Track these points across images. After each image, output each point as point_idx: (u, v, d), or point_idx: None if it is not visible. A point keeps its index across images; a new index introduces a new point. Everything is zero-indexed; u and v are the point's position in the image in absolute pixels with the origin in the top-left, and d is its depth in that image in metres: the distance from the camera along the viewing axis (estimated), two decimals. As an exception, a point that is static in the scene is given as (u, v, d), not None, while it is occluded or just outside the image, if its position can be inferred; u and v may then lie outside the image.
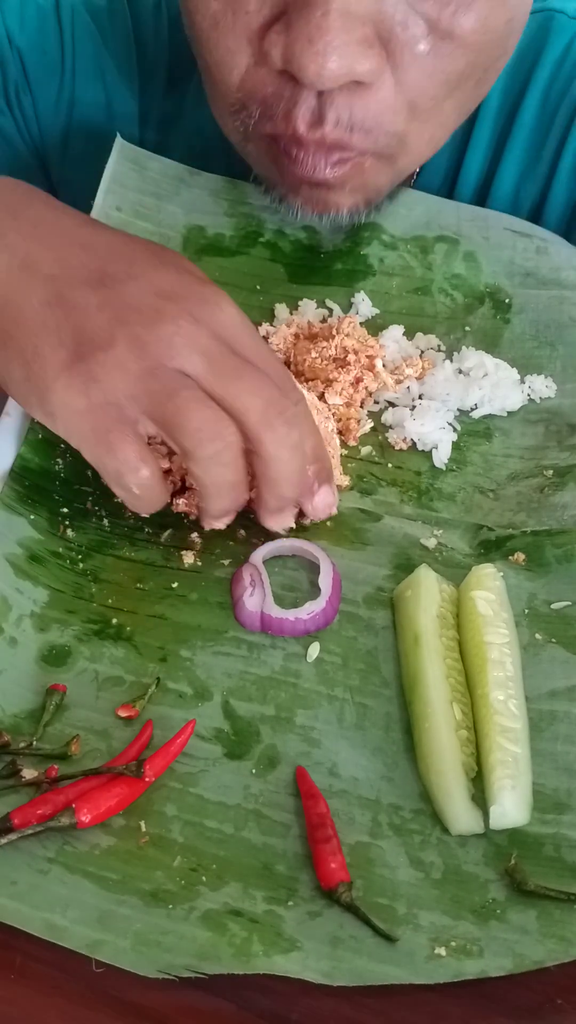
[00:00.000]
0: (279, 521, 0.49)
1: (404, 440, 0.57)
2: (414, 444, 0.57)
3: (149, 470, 0.44)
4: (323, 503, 0.50)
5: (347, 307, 0.63)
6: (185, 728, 0.44)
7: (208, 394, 0.43)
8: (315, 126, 0.52)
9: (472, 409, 0.58)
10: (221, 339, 0.44)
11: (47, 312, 0.44)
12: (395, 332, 0.61)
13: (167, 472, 0.50)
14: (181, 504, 0.51)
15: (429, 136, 0.56)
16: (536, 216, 0.68)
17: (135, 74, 0.69)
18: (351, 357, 0.58)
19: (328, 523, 0.53)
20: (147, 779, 0.42)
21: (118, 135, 0.66)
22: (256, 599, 0.48)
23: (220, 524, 0.48)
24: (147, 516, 0.49)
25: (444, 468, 0.56)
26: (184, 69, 0.68)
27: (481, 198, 0.68)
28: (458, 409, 0.58)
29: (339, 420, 0.57)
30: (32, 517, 0.52)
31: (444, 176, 0.69)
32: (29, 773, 0.42)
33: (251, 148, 0.57)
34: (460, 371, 0.59)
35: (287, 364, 0.55)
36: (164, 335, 0.43)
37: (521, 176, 0.67)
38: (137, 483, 0.44)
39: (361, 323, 0.60)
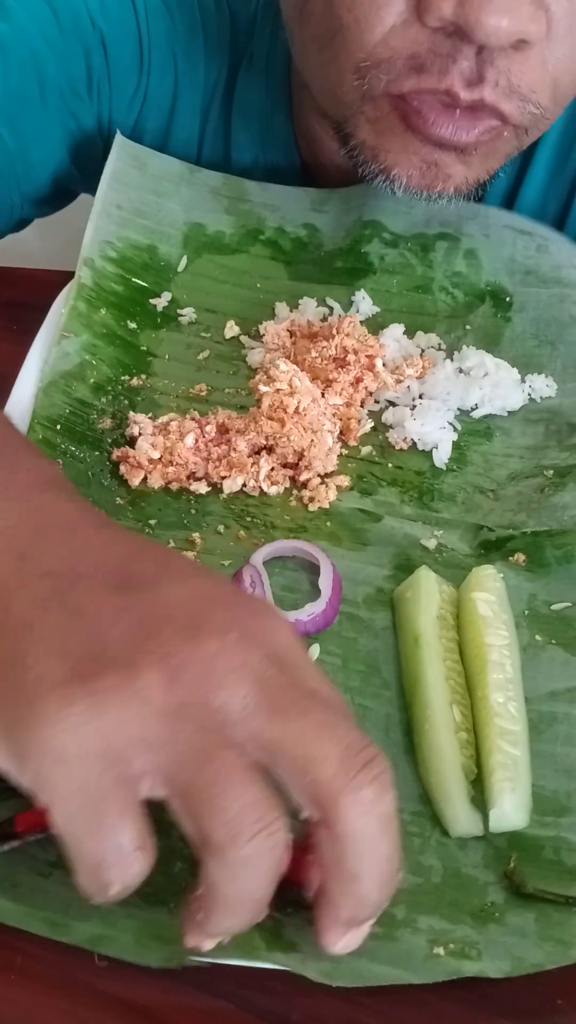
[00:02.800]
0: (348, 940, 0.34)
1: (404, 440, 0.57)
2: (414, 444, 0.57)
3: (141, 866, 0.32)
4: (357, 940, 0.35)
5: (347, 305, 0.63)
6: None
7: (257, 740, 0.31)
8: (474, 86, 0.51)
9: (473, 409, 0.58)
10: (279, 665, 0.32)
11: (40, 613, 0.32)
12: (395, 331, 0.61)
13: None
14: None
15: (553, 119, 0.56)
16: (559, 224, 0.68)
17: (200, 62, 0.67)
18: (351, 357, 0.58)
19: (328, 523, 0.53)
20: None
21: (118, 132, 0.65)
22: (256, 600, 0.48)
23: (209, 944, 0.34)
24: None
25: (444, 468, 0.56)
26: (242, 52, 0.67)
27: (508, 206, 0.68)
28: (458, 409, 0.58)
29: (339, 420, 0.57)
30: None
31: (506, 192, 0.69)
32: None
33: (368, 109, 0.55)
34: (461, 370, 0.59)
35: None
36: (206, 655, 0.31)
37: (547, 185, 0.68)
38: (122, 880, 0.32)
39: (361, 321, 0.60)
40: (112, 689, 0.30)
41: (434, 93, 0.52)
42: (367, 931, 0.34)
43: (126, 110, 0.67)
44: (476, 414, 0.58)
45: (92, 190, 0.64)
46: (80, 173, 0.70)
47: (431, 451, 0.56)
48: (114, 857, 0.31)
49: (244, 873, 0.31)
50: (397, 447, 0.57)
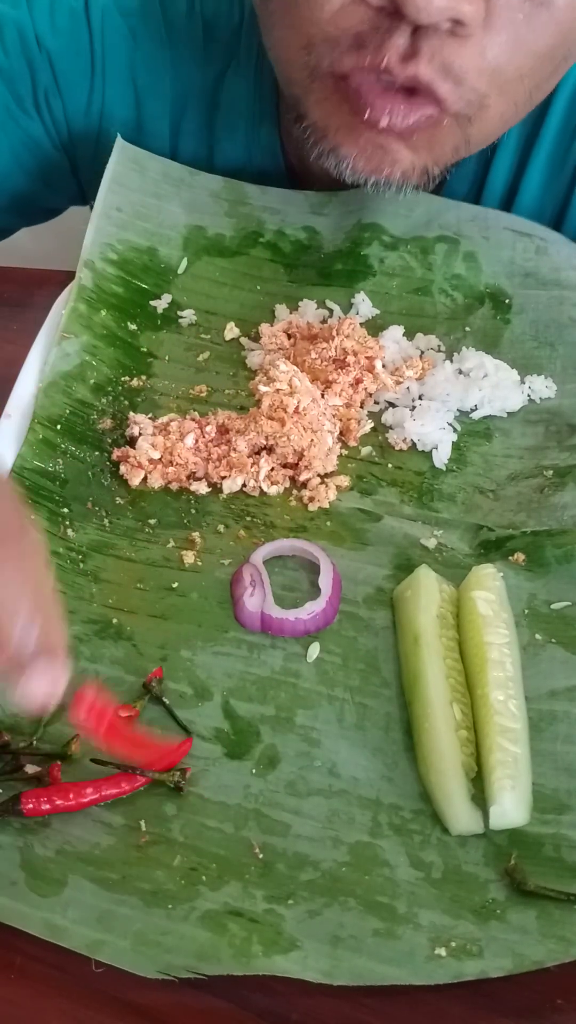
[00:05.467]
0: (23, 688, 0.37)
1: (404, 440, 0.57)
2: (414, 444, 0.57)
3: None
4: (37, 688, 0.37)
5: (347, 307, 0.63)
6: (182, 745, 0.44)
7: None
8: (408, 60, 0.52)
9: (472, 410, 0.58)
10: None
11: None
12: (395, 332, 0.61)
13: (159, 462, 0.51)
14: None
15: (502, 112, 0.56)
16: (557, 224, 0.68)
17: (166, 74, 0.68)
18: (351, 358, 0.58)
19: (328, 523, 0.53)
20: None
21: (119, 137, 0.66)
22: (256, 599, 0.48)
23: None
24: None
25: (444, 468, 0.56)
26: (224, 61, 0.67)
27: (507, 206, 0.68)
28: (458, 410, 0.58)
29: (339, 421, 0.57)
30: (32, 517, 0.52)
31: (470, 186, 0.69)
32: (32, 769, 0.43)
33: (316, 88, 0.56)
34: (460, 371, 0.59)
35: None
36: None
37: (545, 184, 0.68)
38: None
39: (361, 323, 0.61)
40: None
41: (372, 70, 0.52)
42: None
43: (83, 120, 0.68)
44: (476, 415, 0.58)
45: (75, 202, 0.64)
46: (46, 187, 0.71)
47: (431, 452, 0.56)
48: None
49: None
50: (397, 448, 0.57)
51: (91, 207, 0.64)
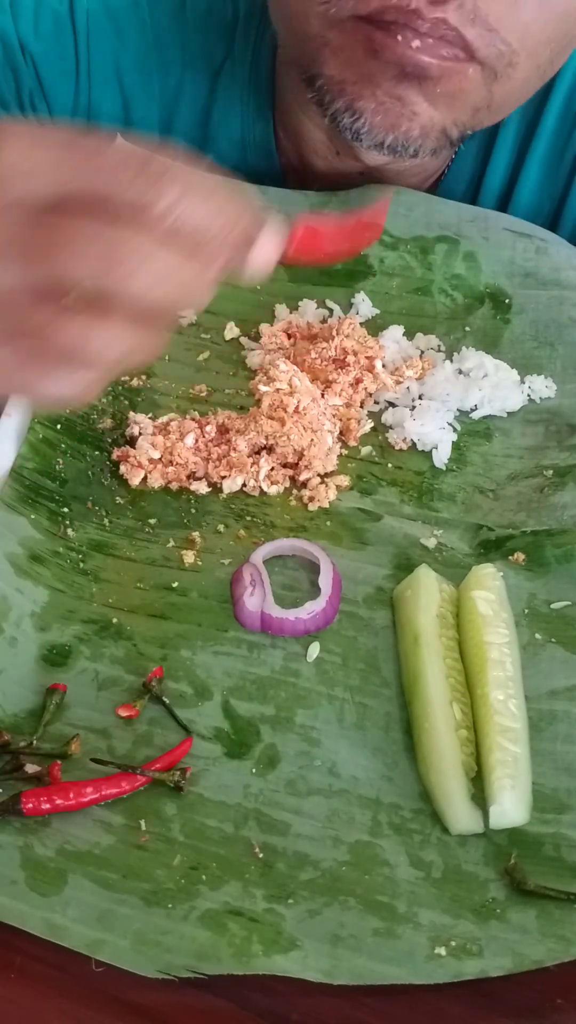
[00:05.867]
0: (203, 291, 0.39)
1: (404, 440, 0.57)
2: (414, 444, 0.57)
3: None
4: (259, 258, 0.38)
5: (347, 307, 0.63)
6: (182, 745, 0.44)
7: None
8: (437, 4, 0.51)
9: (472, 410, 0.58)
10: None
11: None
12: (395, 332, 0.61)
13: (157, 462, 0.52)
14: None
15: (526, 76, 0.56)
16: (553, 223, 0.68)
17: (155, 75, 0.68)
18: (351, 358, 0.58)
19: (328, 523, 0.53)
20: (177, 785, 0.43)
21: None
22: (256, 599, 0.48)
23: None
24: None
25: (444, 468, 0.56)
26: (218, 62, 0.67)
27: (503, 205, 0.68)
28: (458, 410, 0.58)
29: (339, 420, 0.57)
30: (33, 517, 0.52)
31: (468, 182, 0.69)
32: (32, 768, 0.43)
33: (334, 36, 0.55)
34: (460, 371, 0.59)
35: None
36: None
37: (541, 183, 0.68)
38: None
39: (361, 323, 0.61)
40: None
41: (398, 10, 0.52)
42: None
43: (70, 117, 0.68)
44: (475, 415, 0.58)
45: None
46: None
47: (431, 452, 0.56)
48: None
49: None
50: (397, 447, 0.57)
51: None
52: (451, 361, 0.60)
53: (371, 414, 0.59)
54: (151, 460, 0.54)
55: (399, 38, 0.52)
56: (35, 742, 0.44)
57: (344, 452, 0.56)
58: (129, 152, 0.36)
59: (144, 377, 0.59)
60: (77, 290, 0.35)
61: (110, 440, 0.56)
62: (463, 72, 0.54)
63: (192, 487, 0.54)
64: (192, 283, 0.37)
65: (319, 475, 0.55)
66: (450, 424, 0.58)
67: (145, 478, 0.54)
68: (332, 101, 0.57)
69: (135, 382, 0.59)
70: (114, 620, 0.49)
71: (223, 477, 0.54)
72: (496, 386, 0.58)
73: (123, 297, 0.36)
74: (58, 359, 0.37)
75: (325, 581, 0.49)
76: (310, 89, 0.58)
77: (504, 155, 0.67)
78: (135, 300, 0.36)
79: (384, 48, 0.53)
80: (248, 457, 0.54)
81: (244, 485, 0.54)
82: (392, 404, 0.59)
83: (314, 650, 0.48)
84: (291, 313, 0.63)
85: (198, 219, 0.36)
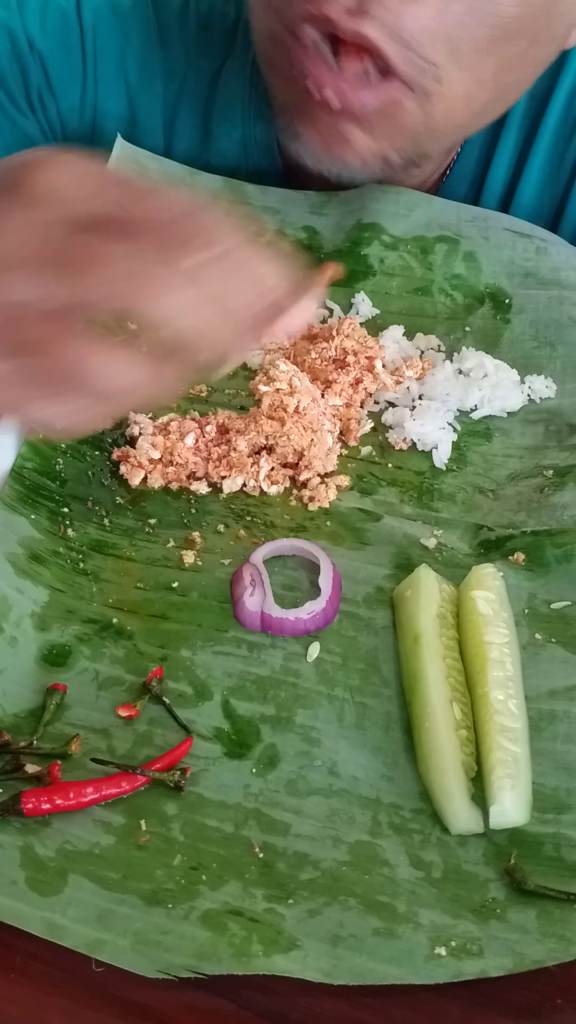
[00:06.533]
0: (235, 352, 0.41)
1: (404, 440, 0.57)
2: (414, 444, 0.57)
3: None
4: (292, 325, 0.39)
5: (347, 307, 0.63)
6: (182, 745, 0.44)
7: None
8: (357, 15, 0.51)
9: (472, 410, 0.58)
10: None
11: None
12: (395, 332, 0.61)
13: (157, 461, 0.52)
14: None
15: (466, 91, 0.55)
16: (554, 222, 0.68)
17: (158, 74, 0.68)
18: (351, 358, 0.58)
19: (328, 523, 0.53)
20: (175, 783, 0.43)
21: (119, 136, 0.66)
22: (256, 599, 0.48)
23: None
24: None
25: (444, 468, 0.56)
26: (220, 60, 0.67)
27: (505, 204, 0.69)
28: (458, 410, 0.58)
29: (339, 420, 0.57)
30: (33, 517, 0.52)
31: (470, 183, 0.69)
32: (32, 768, 0.43)
33: (277, 60, 0.55)
34: (460, 371, 0.59)
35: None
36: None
37: (543, 182, 0.68)
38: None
39: (361, 323, 0.61)
40: None
41: (318, 21, 0.52)
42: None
43: (78, 118, 0.68)
44: (475, 415, 0.58)
45: None
46: None
47: (431, 452, 0.56)
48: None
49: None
50: (397, 447, 0.57)
51: None
52: (451, 361, 0.60)
53: (371, 414, 0.59)
54: (151, 460, 0.54)
55: (318, 79, 0.53)
56: (35, 742, 0.44)
57: (344, 452, 0.56)
58: (181, 200, 0.36)
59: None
60: (96, 313, 0.35)
61: (110, 440, 0.56)
62: (394, 100, 0.54)
63: (192, 487, 0.54)
64: (216, 326, 0.36)
65: (319, 475, 0.55)
66: (450, 424, 0.58)
67: (145, 478, 0.54)
68: (284, 128, 0.58)
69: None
70: (114, 620, 0.49)
71: (223, 477, 0.54)
72: (496, 386, 0.58)
73: (142, 321, 0.35)
74: (59, 382, 0.36)
75: (325, 581, 0.49)
76: (271, 113, 0.60)
77: (506, 154, 0.67)
78: (154, 326, 0.35)
79: (312, 93, 0.54)
80: (248, 457, 0.54)
81: (244, 485, 0.54)
82: (392, 404, 0.59)
83: (314, 650, 0.48)
84: (291, 313, 0.63)
85: (231, 282, 0.35)
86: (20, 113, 0.67)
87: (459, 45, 0.52)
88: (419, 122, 0.56)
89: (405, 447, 0.57)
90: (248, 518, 0.53)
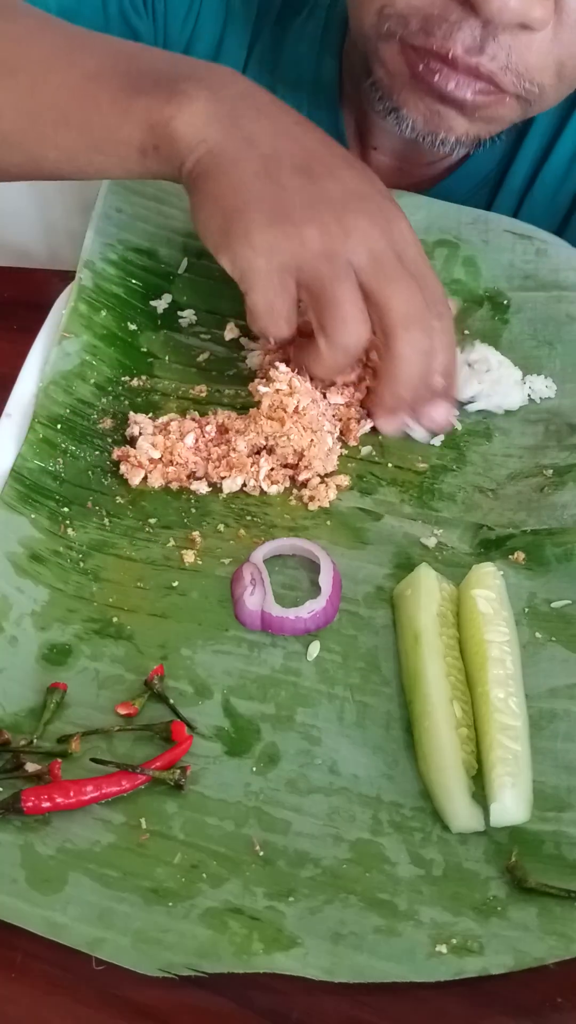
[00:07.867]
0: (389, 423, 0.55)
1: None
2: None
3: (284, 332, 0.52)
4: (441, 417, 0.55)
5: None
6: (182, 744, 0.44)
7: (364, 288, 0.49)
8: (473, 53, 0.55)
9: (469, 401, 0.58)
10: (391, 246, 0.50)
11: (257, 182, 0.50)
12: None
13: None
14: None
15: (560, 93, 0.60)
16: (561, 225, 0.70)
17: (251, 20, 0.71)
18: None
19: (328, 522, 0.53)
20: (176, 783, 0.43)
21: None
22: (256, 598, 0.48)
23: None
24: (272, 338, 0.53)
25: (438, 461, 0.56)
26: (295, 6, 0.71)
27: (528, 185, 0.71)
28: (458, 402, 0.58)
29: (339, 420, 0.57)
30: (33, 516, 0.52)
31: (500, 160, 0.71)
32: (32, 767, 0.43)
33: (383, 48, 0.59)
34: (468, 364, 0.59)
35: (286, 362, 0.55)
36: (346, 227, 0.49)
37: (568, 164, 0.70)
38: (274, 331, 0.52)
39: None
40: (290, 235, 0.49)
41: (436, 55, 0.56)
42: (400, 423, 0.56)
43: (180, 27, 0.71)
44: (472, 407, 0.58)
45: None
46: None
47: (428, 445, 0.56)
48: (275, 311, 0.51)
49: (340, 349, 0.52)
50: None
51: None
52: (460, 351, 0.60)
53: (371, 414, 0.59)
54: (151, 460, 0.54)
55: (436, 78, 0.57)
56: (35, 741, 0.44)
57: (344, 452, 0.56)
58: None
59: (144, 377, 0.59)
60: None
61: (110, 440, 0.56)
62: (499, 101, 0.58)
63: (192, 487, 0.54)
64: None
65: (319, 475, 0.55)
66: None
67: (145, 478, 0.54)
68: (381, 99, 0.62)
69: (135, 382, 0.59)
70: (114, 619, 0.49)
71: (223, 477, 0.54)
72: (497, 381, 0.58)
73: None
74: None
75: (325, 580, 0.49)
76: (366, 78, 0.63)
77: (538, 133, 0.70)
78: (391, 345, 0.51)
79: (423, 77, 0.57)
80: (248, 457, 0.54)
81: (244, 485, 0.54)
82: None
83: (314, 649, 0.48)
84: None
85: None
86: (136, 13, 0.70)
87: (565, 66, 0.57)
88: (516, 115, 0.61)
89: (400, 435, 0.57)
90: (248, 518, 0.53)
